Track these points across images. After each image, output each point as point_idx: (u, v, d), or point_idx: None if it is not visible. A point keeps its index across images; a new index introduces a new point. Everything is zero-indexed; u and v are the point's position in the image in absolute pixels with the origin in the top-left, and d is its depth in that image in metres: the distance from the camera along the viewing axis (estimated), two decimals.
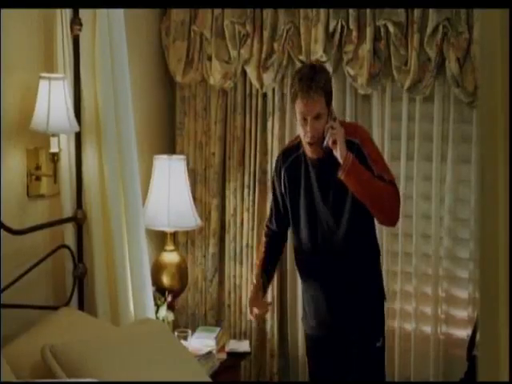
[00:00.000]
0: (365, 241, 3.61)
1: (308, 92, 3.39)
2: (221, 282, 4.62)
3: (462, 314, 4.08)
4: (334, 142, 3.39)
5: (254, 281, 3.79)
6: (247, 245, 4.49)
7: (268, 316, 4.45)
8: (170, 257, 4.37)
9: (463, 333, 4.04)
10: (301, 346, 4.38)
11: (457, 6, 3.86)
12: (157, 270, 4.30)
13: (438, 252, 4.10)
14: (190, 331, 4.24)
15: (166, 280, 4.31)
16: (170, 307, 4.27)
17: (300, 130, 3.52)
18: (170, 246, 4.38)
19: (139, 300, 3.89)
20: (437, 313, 4.11)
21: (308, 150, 3.52)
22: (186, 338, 4.12)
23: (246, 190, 4.48)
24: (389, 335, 4.19)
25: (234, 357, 4.30)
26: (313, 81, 3.40)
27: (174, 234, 4.49)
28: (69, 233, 3.83)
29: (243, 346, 4.38)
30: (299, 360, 4.40)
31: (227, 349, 4.31)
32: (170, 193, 4.22)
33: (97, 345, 3.27)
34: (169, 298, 4.26)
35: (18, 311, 3.54)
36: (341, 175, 3.37)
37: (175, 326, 4.35)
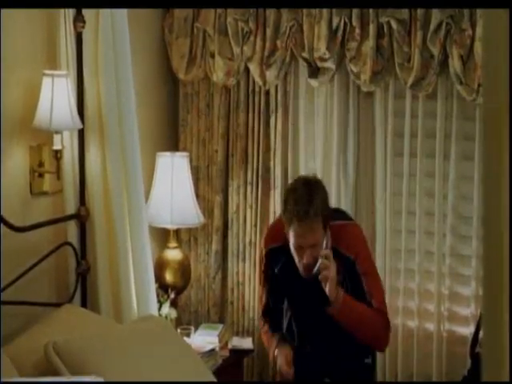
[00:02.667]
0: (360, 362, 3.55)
1: (305, 220, 3.15)
2: (224, 279, 4.62)
3: (465, 311, 4.08)
4: (325, 280, 3.21)
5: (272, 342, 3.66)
6: (250, 242, 4.49)
7: None
8: (173, 254, 4.37)
9: (466, 330, 4.04)
10: None
11: (457, 6, 3.85)
12: (160, 267, 4.30)
13: (441, 249, 4.09)
14: (192, 328, 4.24)
15: (168, 277, 4.31)
16: (173, 304, 4.27)
17: (293, 253, 3.33)
18: (172, 243, 4.38)
19: (142, 297, 3.89)
20: (440, 310, 4.10)
21: (301, 271, 3.36)
22: (188, 335, 4.12)
23: (248, 187, 4.47)
24: (391, 332, 4.20)
25: (237, 354, 4.30)
26: (310, 204, 3.16)
27: (177, 231, 4.49)
28: (72, 230, 3.83)
29: (246, 343, 4.38)
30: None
31: (230, 346, 4.30)
32: (172, 190, 4.22)
33: (100, 342, 3.27)
34: (172, 295, 4.26)
35: (20, 308, 3.54)
36: (330, 312, 3.28)
37: (178, 323, 4.34)
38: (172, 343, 3.55)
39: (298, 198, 3.18)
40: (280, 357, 3.54)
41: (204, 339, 4.21)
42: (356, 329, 3.31)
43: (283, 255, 3.41)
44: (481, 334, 3.69)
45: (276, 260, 3.50)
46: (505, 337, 0.99)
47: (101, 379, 2.94)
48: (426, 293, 4.15)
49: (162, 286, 4.27)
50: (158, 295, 4.10)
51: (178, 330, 4.06)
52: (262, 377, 4.55)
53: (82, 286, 3.88)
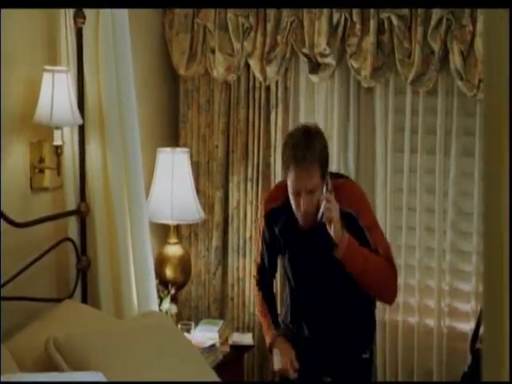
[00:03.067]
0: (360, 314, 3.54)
1: (302, 164, 3.14)
2: (224, 275, 4.62)
3: (466, 307, 4.08)
4: (329, 221, 3.19)
5: (268, 337, 3.65)
6: (250, 237, 4.49)
7: None
8: (173, 249, 4.37)
9: (466, 326, 4.04)
10: None
11: (458, 6, 3.85)
12: (160, 262, 4.31)
13: (442, 245, 4.09)
14: (193, 324, 4.25)
15: (169, 273, 4.32)
16: (174, 300, 4.28)
17: (292, 201, 3.31)
18: (173, 239, 4.39)
19: (142, 293, 3.89)
20: (440, 306, 4.10)
21: (300, 220, 3.34)
22: (189, 331, 4.13)
23: (249, 183, 4.47)
24: (392, 328, 4.21)
25: (237, 350, 4.30)
26: (308, 150, 3.15)
27: (178, 227, 4.49)
28: (72, 226, 3.83)
29: (246, 338, 4.38)
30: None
31: (230, 342, 4.31)
32: (173, 185, 4.22)
33: (100, 337, 3.27)
34: (172, 291, 4.26)
35: (21, 304, 3.55)
36: (336, 255, 3.23)
37: (178, 318, 4.35)
38: (172, 339, 3.56)
39: (296, 142, 3.20)
40: (283, 357, 3.52)
41: (204, 335, 4.22)
42: (363, 274, 3.26)
43: (284, 214, 3.41)
44: (481, 329, 3.69)
45: (277, 219, 3.48)
46: (505, 334, 0.99)
47: (100, 374, 2.94)
48: (426, 289, 4.16)
49: (163, 282, 4.28)
50: (158, 291, 4.10)
51: (179, 326, 4.06)
52: (262, 372, 4.55)
53: (83, 281, 3.89)
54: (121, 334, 3.40)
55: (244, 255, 4.52)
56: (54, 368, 3.03)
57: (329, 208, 3.17)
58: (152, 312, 3.80)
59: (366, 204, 3.47)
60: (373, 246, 3.28)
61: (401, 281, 4.18)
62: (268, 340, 3.62)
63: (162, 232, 4.49)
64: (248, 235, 4.50)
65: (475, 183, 3.98)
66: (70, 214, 3.80)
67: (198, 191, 4.41)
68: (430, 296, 4.14)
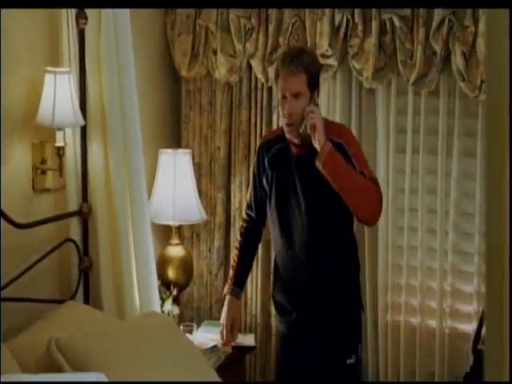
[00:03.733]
0: (343, 241, 3.56)
1: (289, 67, 3.32)
2: (226, 276, 4.60)
3: (468, 308, 4.07)
4: (313, 128, 3.28)
5: (228, 285, 3.77)
6: None
7: (272, 310, 4.44)
8: (175, 250, 4.37)
9: (469, 327, 4.03)
10: None
11: (458, 6, 3.85)
12: (162, 263, 4.31)
13: (444, 246, 4.08)
14: (195, 325, 4.24)
15: (171, 274, 4.32)
16: (175, 301, 4.27)
17: (280, 109, 3.49)
18: (175, 240, 4.39)
19: (144, 294, 3.89)
20: (442, 307, 4.10)
21: (286, 132, 3.43)
22: (191, 332, 4.13)
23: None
24: (394, 329, 4.20)
25: (239, 351, 4.29)
26: (297, 56, 3.36)
27: (179, 228, 4.49)
28: (74, 227, 3.84)
29: (248, 339, 4.38)
30: None
31: (232, 343, 4.30)
32: (175, 186, 4.22)
33: (102, 338, 3.27)
34: (174, 292, 4.26)
35: (23, 305, 3.55)
36: (318, 164, 3.26)
37: (180, 319, 4.35)
38: (174, 340, 3.55)
39: (287, 52, 3.63)
40: (227, 317, 3.72)
41: (206, 336, 4.22)
42: (345, 187, 3.28)
43: (277, 143, 3.55)
44: (483, 330, 3.69)
45: (268, 149, 3.59)
46: (505, 336, 0.99)
47: (103, 376, 2.94)
48: (428, 290, 4.15)
49: (165, 283, 4.28)
50: (160, 292, 4.10)
51: (181, 327, 4.06)
52: (264, 374, 4.55)
53: (85, 282, 3.89)
54: (123, 334, 3.40)
55: None
56: (56, 369, 3.03)
57: (313, 117, 3.29)
58: (154, 313, 3.80)
59: (354, 139, 3.59)
60: (358, 169, 3.33)
61: (402, 282, 4.18)
62: (224, 291, 3.81)
63: (164, 233, 4.49)
64: None
65: (477, 184, 3.97)
66: (71, 214, 3.81)
67: (199, 192, 4.41)
68: (432, 297, 4.14)
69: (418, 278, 4.15)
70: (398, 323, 4.19)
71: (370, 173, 3.40)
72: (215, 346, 4.12)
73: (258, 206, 3.68)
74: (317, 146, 3.28)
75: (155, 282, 4.00)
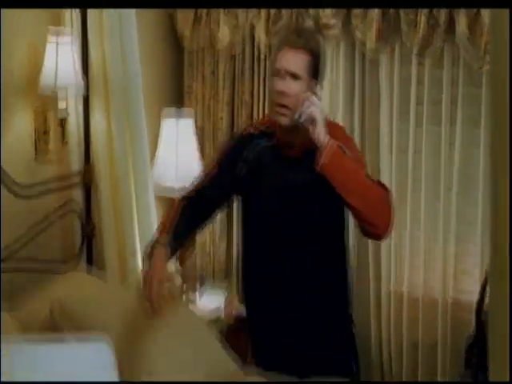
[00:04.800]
0: (334, 275, 3.06)
1: (294, 41, 2.82)
2: (228, 247, 4.62)
3: (471, 278, 4.06)
4: (312, 121, 2.72)
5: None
6: None
7: None
8: None
9: (471, 297, 4.01)
10: None
11: (458, 6, 3.82)
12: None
13: (448, 214, 4.05)
14: (197, 295, 4.24)
15: None
16: (178, 271, 4.27)
17: (271, 85, 2.87)
18: None
19: None
20: (445, 275, 4.08)
21: (276, 115, 2.83)
22: (193, 302, 4.13)
23: None
24: (397, 300, 4.20)
25: (242, 321, 4.30)
26: (302, 34, 2.88)
27: None
28: (77, 194, 3.84)
29: None
30: None
31: (235, 313, 4.30)
32: (177, 153, 4.18)
33: (106, 305, 3.26)
34: (176, 262, 4.25)
35: (27, 273, 3.55)
36: (321, 164, 2.68)
37: (182, 289, 4.35)
38: (177, 310, 3.54)
39: (292, 30, 3.34)
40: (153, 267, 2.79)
41: (209, 306, 4.22)
42: (351, 190, 2.69)
43: (262, 140, 2.97)
44: (486, 300, 3.69)
45: (250, 146, 2.99)
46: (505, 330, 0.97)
47: (106, 337, 2.93)
48: (431, 254, 4.12)
49: None
50: None
51: (183, 298, 4.06)
52: None
53: (88, 248, 3.89)
54: (126, 303, 3.39)
55: None
56: (59, 333, 3.03)
57: (312, 108, 2.73)
58: None
59: (353, 142, 3.07)
60: (364, 173, 2.81)
61: (405, 253, 4.17)
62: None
63: (167, 204, 4.47)
64: None
65: (481, 152, 3.94)
66: (74, 181, 3.81)
67: (202, 156, 4.39)
68: (436, 266, 4.12)
69: (421, 248, 4.13)
70: (401, 294, 4.18)
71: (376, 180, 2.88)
72: (218, 317, 4.12)
73: (217, 183, 3.05)
74: (315, 138, 2.72)
75: None
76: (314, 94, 2.81)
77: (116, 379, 2.82)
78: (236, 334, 4.22)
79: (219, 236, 4.60)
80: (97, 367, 2.80)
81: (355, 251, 4.25)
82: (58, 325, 3.08)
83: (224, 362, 3.42)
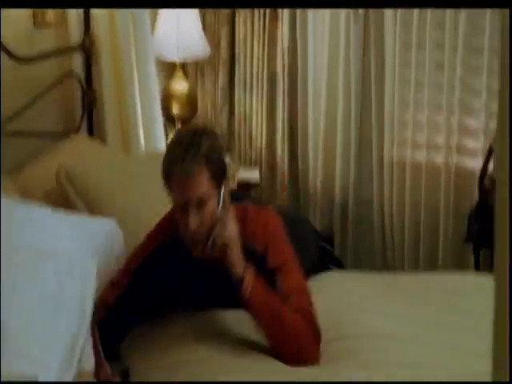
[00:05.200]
0: None
1: (183, 165, 2.30)
2: (231, 112, 4.58)
3: (475, 144, 4.04)
4: (224, 250, 2.37)
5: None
6: (257, 73, 4.42)
7: (278, 145, 4.43)
8: (180, 86, 4.31)
9: (475, 163, 4.00)
10: (311, 175, 4.38)
11: (458, 6, 3.73)
12: (166, 99, 4.25)
13: (451, 81, 4.00)
14: None
15: (175, 109, 4.27)
16: None
17: (179, 223, 2.43)
18: (179, 76, 4.31)
19: (149, 128, 3.88)
20: (449, 143, 4.06)
21: (189, 246, 2.43)
22: None
23: (256, 17, 4.37)
24: (399, 166, 4.19)
25: (244, 186, 4.31)
26: (191, 147, 2.32)
27: (184, 66, 4.41)
28: (77, 62, 3.79)
29: (253, 175, 4.39)
30: (309, 190, 4.42)
31: (237, 178, 4.30)
32: (179, 21, 4.10)
33: (113, 171, 3.26)
34: (178, 126, 4.23)
35: (27, 140, 3.53)
36: (240, 294, 2.38)
37: None
38: None
39: (176, 142, 2.44)
40: None
41: None
42: (274, 329, 2.38)
43: (173, 251, 2.55)
44: (490, 166, 3.68)
45: (163, 262, 2.59)
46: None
47: (114, 222, 2.90)
48: (435, 125, 4.11)
49: (169, 118, 4.24)
50: (165, 127, 4.08)
51: None
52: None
53: (89, 118, 3.86)
54: (131, 168, 3.38)
55: (251, 91, 4.46)
56: (65, 200, 3.03)
57: (222, 233, 2.37)
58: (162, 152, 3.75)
59: (279, 238, 2.57)
60: (283, 294, 2.43)
61: (409, 117, 4.14)
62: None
63: (168, 69, 4.41)
64: (255, 71, 4.43)
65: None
66: (74, 48, 3.74)
67: (204, 27, 4.31)
68: (439, 133, 4.10)
69: (425, 113, 4.10)
70: (404, 159, 4.17)
71: (302, 300, 2.45)
72: None
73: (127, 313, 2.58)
74: (231, 267, 2.38)
75: (160, 117, 3.98)
76: (225, 205, 2.40)
77: (123, 253, 2.83)
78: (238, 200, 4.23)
79: (221, 102, 4.55)
80: (104, 238, 2.81)
81: (358, 119, 4.24)
82: (65, 191, 3.06)
83: None
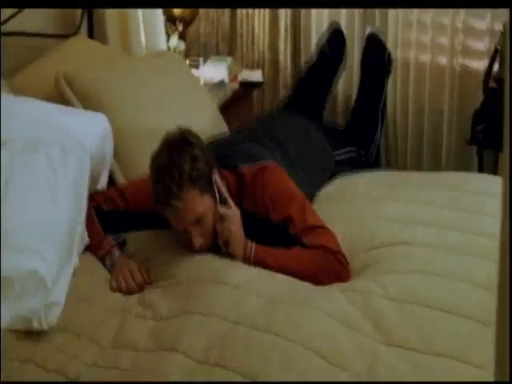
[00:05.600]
0: None
1: (170, 200, 2.32)
2: (233, 12, 4.51)
3: (479, 44, 3.97)
4: (225, 242, 2.45)
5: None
6: None
7: (281, 46, 4.37)
8: None
9: (480, 64, 3.95)
10: None
11: (457, 7, 3.66)
12: None
13: None
14: (201, 59, 4.19)
15: (176, 9, 4.20)
16: (181, 37, 4.20)
17: (181, 240, 2.51)
18: None
19: (150, 29, 3.82)
20: (453, 44, 4.00)
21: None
22: (197, 67, 4.09)
23: None
24: (403, 67, 4.14)
25: (247, 86, 4.27)
26: (175, 178, 2.31)
27: None
28: None
29: (256, 75, 4.34)
30: None
31: (239, 78, 4.26)
32: None
33: (112, 72, 3.21)
34: (180, 28, 4.17)
35: (25, 41, 3.47)
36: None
37: (186, 55, 4.29)
38: (181, 77, 3.50)
39: (159, 174, 2.36)
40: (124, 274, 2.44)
41: (213, 71, 4.17)
42: (296, 275, 2.38)
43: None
44: (494, 67, 3.64)
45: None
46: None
47: (101, 116, 2.87)
48: (439, 26, 4.04)
49: (170, 19, 4.17)
50: (165, 27, 4.01)
51: (187, 62, 4.00)
52: (271, 110, 4.53)
53: (89, 19, 3.79)
54: (132, 70, 3.34)
55: None
56: (64, 103, 2.99)
57: (223, 227, 2.44)
58: (164, 52, 3.70)
59: (278, 194, 2.56)
60: (292, 232, 2.49)
61: (413, 18, 4.06)
62: (101, 252, 2.54)
63: None
64: None
65: None
66: None
67: None
68: (444, 33, 4.03)
69: (430, 14, 4.02)
70: (408, 60, 4.12)
71: (313, 234, 2.47)
72: (222, 81, 4.08)
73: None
74: (235, 255, 2.43)
75: (161, 17, 3.91)
76: (223, 199, 2.46)
77: (111, 148, 2.83)
78: (240, 100, 4.22)
79: None
80: (94, 130, 2.72)
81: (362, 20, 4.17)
82: (64, 95, 3.02)
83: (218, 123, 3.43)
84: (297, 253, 2.42)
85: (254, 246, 2.43)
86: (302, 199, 2.56)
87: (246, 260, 2.41)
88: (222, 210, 2.43)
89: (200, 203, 2.37)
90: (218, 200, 2.44)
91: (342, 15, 4.18)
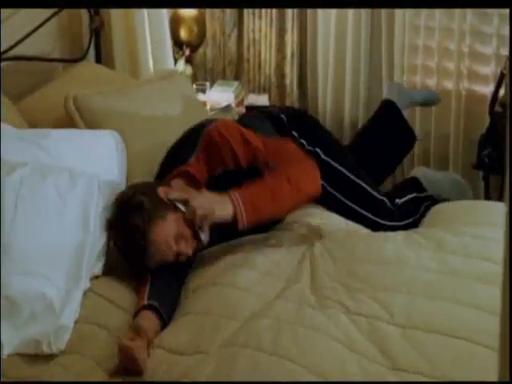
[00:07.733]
0: None
1: (144, 252, 2.40)
2: (240, 37, 4.53)
3: (486, 69, 3.99)
4: (204, 222, 2.44)
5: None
6: None
7: (287, 71, 4.39)
8: (188, 10, 4.26)
9: (486, 89, 3.96)
10: (320, 101, 4.36)
11: (457, 6, 3.68)
12: (175, 23, 4.21)
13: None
14: (208, 84, 4.21)
15: (183, 34, 4.23)
16: (188, 61, 4.22)
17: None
18: None
19: (157, 53, 3.84)
20: (459, 68, 4.01)
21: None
22: (204, 92, 4.10)
23: None
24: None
25: (252, 109, 4.28)
26: (135, 237, 2.38)
27: None
28: None
29: (262, 100, 4.36)
30: (319, 116, 4.39)
31: (246, 103, 4.28)
32: None
33: (120, 97, 3.22)
34: (187, 52, 4.19)
35: (33, 65, 3.50)
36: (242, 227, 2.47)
37: (193, 80, 4.31)
38: (188, 101, 3.51)
39: (123, 234, 2.44)
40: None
41: (220, 96, 4.19)
42: (278, 207, 2.56)
43: None
44: (501, 92, 3.65)
45: None
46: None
47: (116, 134, 2.92)
48: (445, 50, 4.05)
49: (178, 43, 4.20)
50: (173, 52, 4.04)
51: (194, 86, 4.02)
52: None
53: (96, 42, 3.82)
54: (139, 94, 3.35)
55: (260, 16, 4.41)
56: (73, 127, 3.01)
57: (199, 211, 2.42)
58: (170, 72, 3.70)
59: (236, 145, 2.64)
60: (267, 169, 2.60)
61: (420, 42, 4.08)
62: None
63: None
64: None
65: None
66: None
67: None
68: (450, 58, 4.04)
69: (436, 39, 4.04)
70: (415, 84, 4.13)
71: (279, 156, 2.63)
72: (228, 106, 4.10)
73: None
74: (225, 217, 2.44)
75: (168, 42, 3.93)
76: (183, 205, 2.47)
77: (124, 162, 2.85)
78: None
79: (230, 27, 4.49)
80: (106, 149, 2.80)
81: (368, 45, 4.19)
82: (73, 119, 3.03)
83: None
84: (272, 176, 2.54)
85: (236, 194, 2.46)
86: (242, 134, 2.66)
87: (238, 210, 2.43)
88: (182, 207, 2.45)
89: (170, 230, 2.43)
90: (178, 206, 2.46)
91: (349, 39, 4.20)
